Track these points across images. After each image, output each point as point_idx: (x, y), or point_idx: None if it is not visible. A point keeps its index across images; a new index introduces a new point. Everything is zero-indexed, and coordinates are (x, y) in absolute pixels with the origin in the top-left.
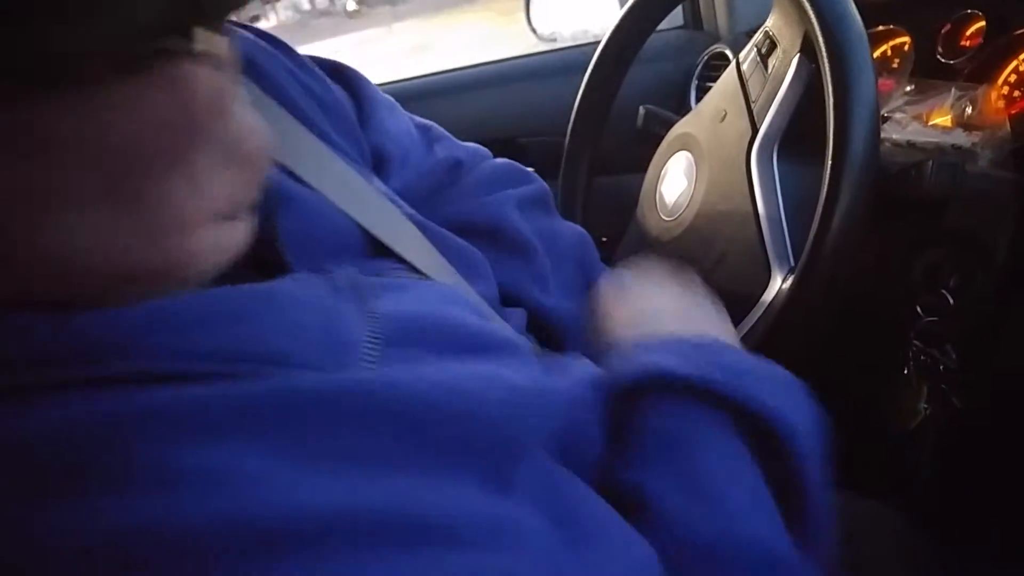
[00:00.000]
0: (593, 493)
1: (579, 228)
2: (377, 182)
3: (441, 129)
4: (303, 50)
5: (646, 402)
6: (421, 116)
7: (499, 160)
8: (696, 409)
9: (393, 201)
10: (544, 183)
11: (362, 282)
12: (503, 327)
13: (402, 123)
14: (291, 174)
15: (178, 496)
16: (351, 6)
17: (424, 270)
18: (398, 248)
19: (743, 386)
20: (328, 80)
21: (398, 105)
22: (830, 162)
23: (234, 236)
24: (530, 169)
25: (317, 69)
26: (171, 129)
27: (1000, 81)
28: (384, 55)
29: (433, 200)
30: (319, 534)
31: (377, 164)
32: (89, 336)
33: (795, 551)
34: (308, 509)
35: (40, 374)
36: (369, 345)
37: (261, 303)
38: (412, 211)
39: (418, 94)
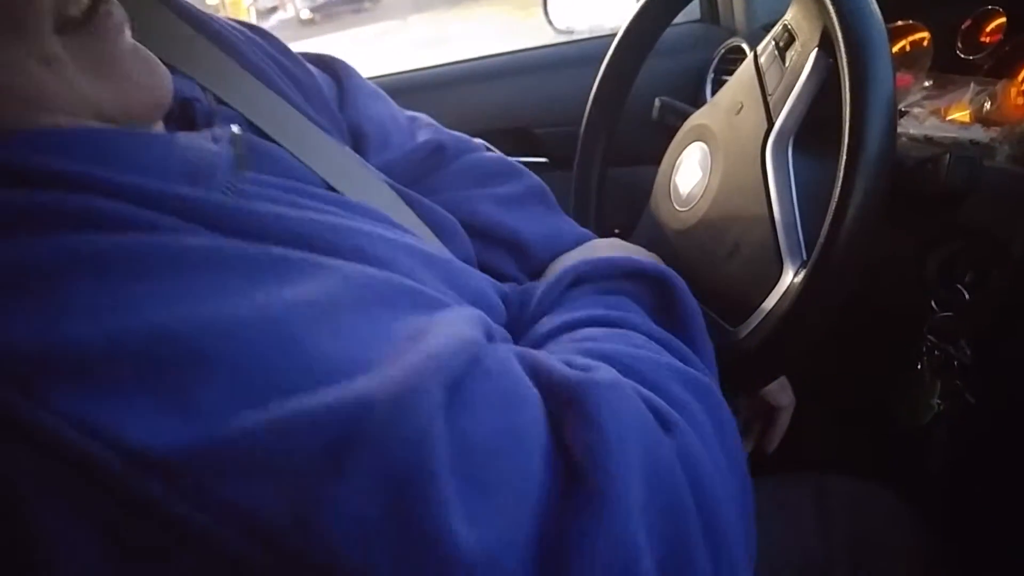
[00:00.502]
0: None
1: (581, 228)
2: (350, 151)
3: (428, 118)
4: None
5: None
6: (437, 105)
7: (488, 154)
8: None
9: (364, 166)
10: (539, 179)
11: (233, 139)
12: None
13: (386, 109)
14: (259, 132)
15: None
16: (305, 15)
17: None
18: (361, 200)
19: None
20: (309, 66)
21: (385, 95)
22: (845, 156)
23: None
24: (544, 159)
25: (299, 56)
26: None
27: (1020, 77)
28: (399, 48)
29: (415, 187)
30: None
31: (356, 142)
32: None
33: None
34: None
35: None
36: (228, 179)
37: (125, 142)
38: (383, 176)
39: (434, 83)
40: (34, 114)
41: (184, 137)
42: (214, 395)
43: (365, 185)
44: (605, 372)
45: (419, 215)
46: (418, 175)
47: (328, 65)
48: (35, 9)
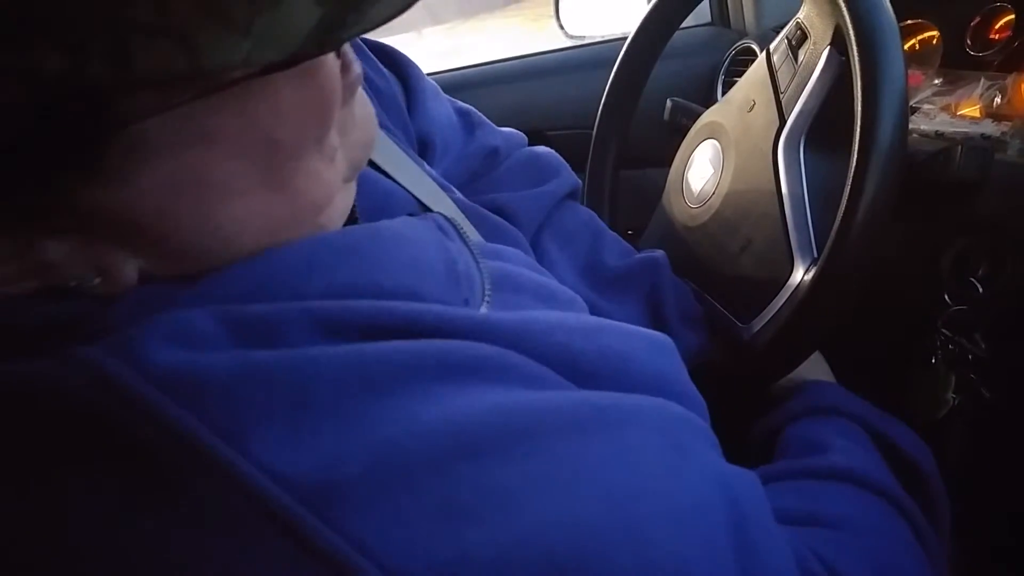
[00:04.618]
0: None
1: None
2: (426, 165)
3: (480, 115)
4: None
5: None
6: None
7: (537, 148)
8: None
9: (436, 181)
10: (575, 176)
11: (455, 225)
12: (560, 285)
13: (444, 109)
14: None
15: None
16: None
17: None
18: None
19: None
20: (381, 66)
21: (440, 90)
22: (857, 152)
23: (350, 196)
24: None
25: (371, 55)
26: (307, 117)
27: None
28: (415, 58)
29: (470, 186)
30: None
31: (422, 150)
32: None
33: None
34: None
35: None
36: (487, 285)
37: (374, 241)
38: (455, 191)
39: (447, 87)
40: (314, 219)
41: (421, 233)
42: None
43: (450, 211)
44: None
45: (483, 227)
46: (471, 177)
47: (393, 61)
48: (338, 105)
